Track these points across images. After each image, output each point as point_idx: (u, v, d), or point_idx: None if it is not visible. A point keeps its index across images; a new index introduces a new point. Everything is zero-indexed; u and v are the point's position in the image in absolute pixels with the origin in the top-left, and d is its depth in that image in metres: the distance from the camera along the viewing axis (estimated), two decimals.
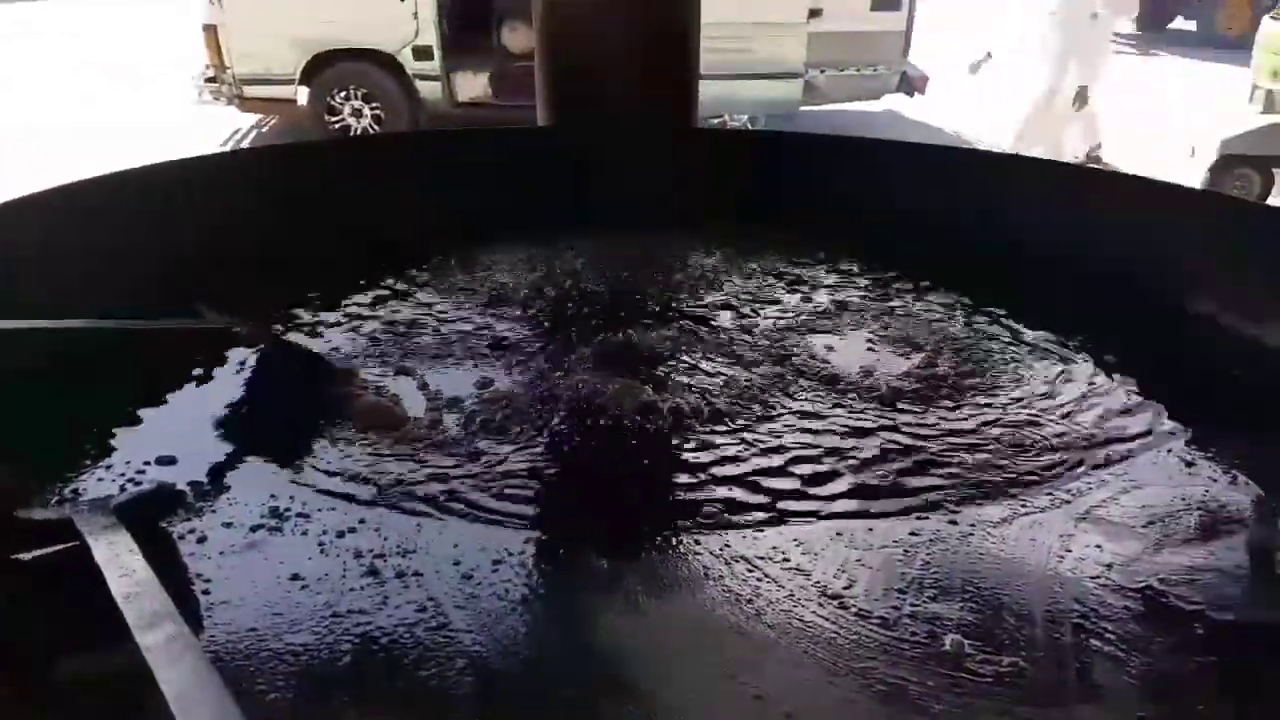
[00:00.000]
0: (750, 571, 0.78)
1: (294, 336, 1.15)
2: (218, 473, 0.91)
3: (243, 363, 1.10)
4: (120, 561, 0.60)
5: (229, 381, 1.07)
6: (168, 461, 0.92)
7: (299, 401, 1.02)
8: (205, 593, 0.75)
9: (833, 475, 0.92)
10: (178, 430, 0.99)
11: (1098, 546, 0.81)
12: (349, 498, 0.88)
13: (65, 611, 0.66)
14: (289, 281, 1.32)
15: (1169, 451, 0.96)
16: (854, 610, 0.74)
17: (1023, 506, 0.87)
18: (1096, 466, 0.93)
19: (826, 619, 0.73)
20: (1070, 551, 0.81)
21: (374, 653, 0.69)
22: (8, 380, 0.94)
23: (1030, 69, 5.83)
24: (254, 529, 0.83)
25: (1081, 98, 5.82)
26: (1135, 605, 0.74)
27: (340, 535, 0.82)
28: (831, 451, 0.95)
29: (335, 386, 1.04)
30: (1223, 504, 0.86)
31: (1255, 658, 0.69)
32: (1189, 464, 0.94)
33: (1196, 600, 0.74)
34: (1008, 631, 0.72)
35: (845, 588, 0.76)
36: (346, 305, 1.29)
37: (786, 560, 0.80)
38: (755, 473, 0.92)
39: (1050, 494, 0.89)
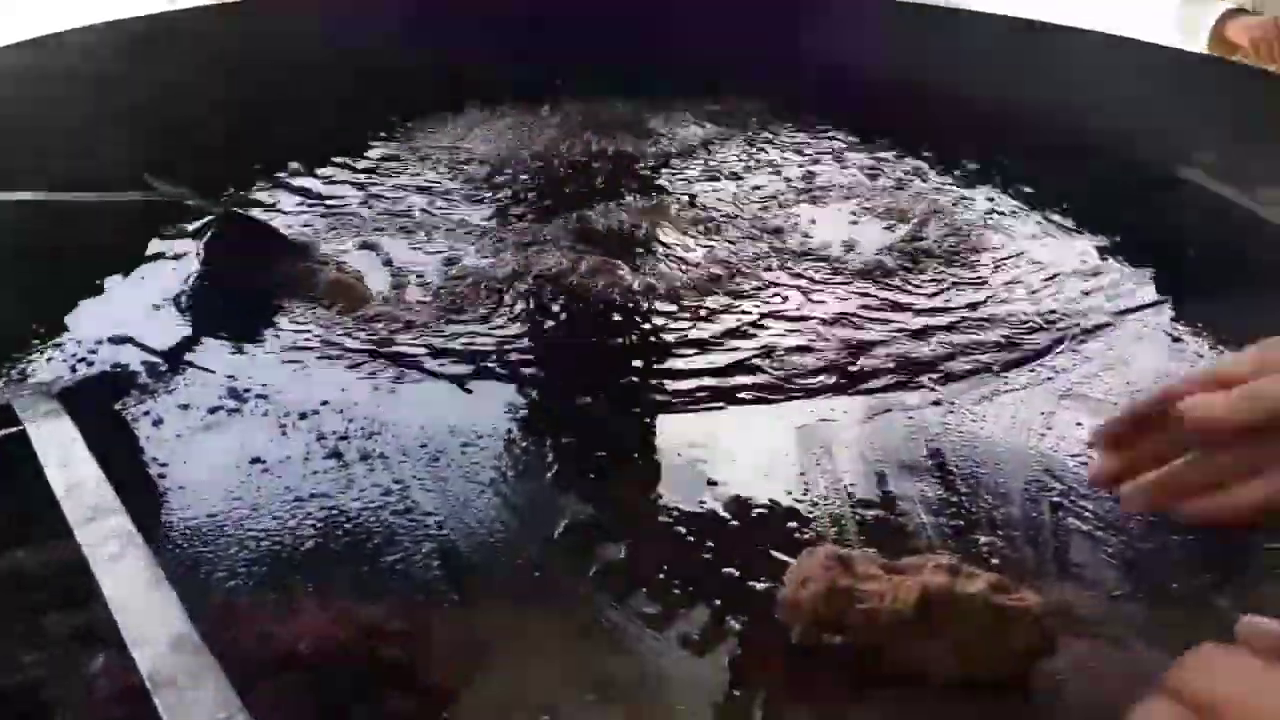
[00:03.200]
0: (726, 450, 0.76)
1: (249, 210, 1.09)
2: (173, 353, 0.88)
3: (196, 238, 1.04)
4: (62, 450, 0.57)
5: (183, 258, 1.02)
6: (121, 341, 0.88)
7: (256, 278, 0.98)
8: (161, 477, 0.72)
9: (811, 351, 0.89)
10: (130, 308, 0.94)
11: (1079, 424, 0.80)
12: (311, 378, 0.84)
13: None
14: (242, 152, 1.26)
15: (1155, 325, 0.94)
16: (827, 489, 0.72)
17: (1004, 384, 0.85)
18: (1080, 342, 0.91)
19: (800, 499, 0.72)
20: (1051, 430, 0.79)
21: (338, 538, 0.67)
22: None
23: None
24: (212, 411, 0.80)
25: None
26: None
27: (302, 417, 0.79)
28: (811, 328, 0.93)
29: (294, 262, 0.99)
30: None
31: (1236, 536, 0.69)
32: (1175, 339, 0.92)
33: None
34: (984, 511, 0.71)
35: (819, 465, 0.75)
36: (304, 176, 1.23)
37: (760, 439, 0.78)
38: (733, 350, 0.89)
39: (1032, 370, 0.87)
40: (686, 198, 1.20)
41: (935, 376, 0.86)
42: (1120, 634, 0.60)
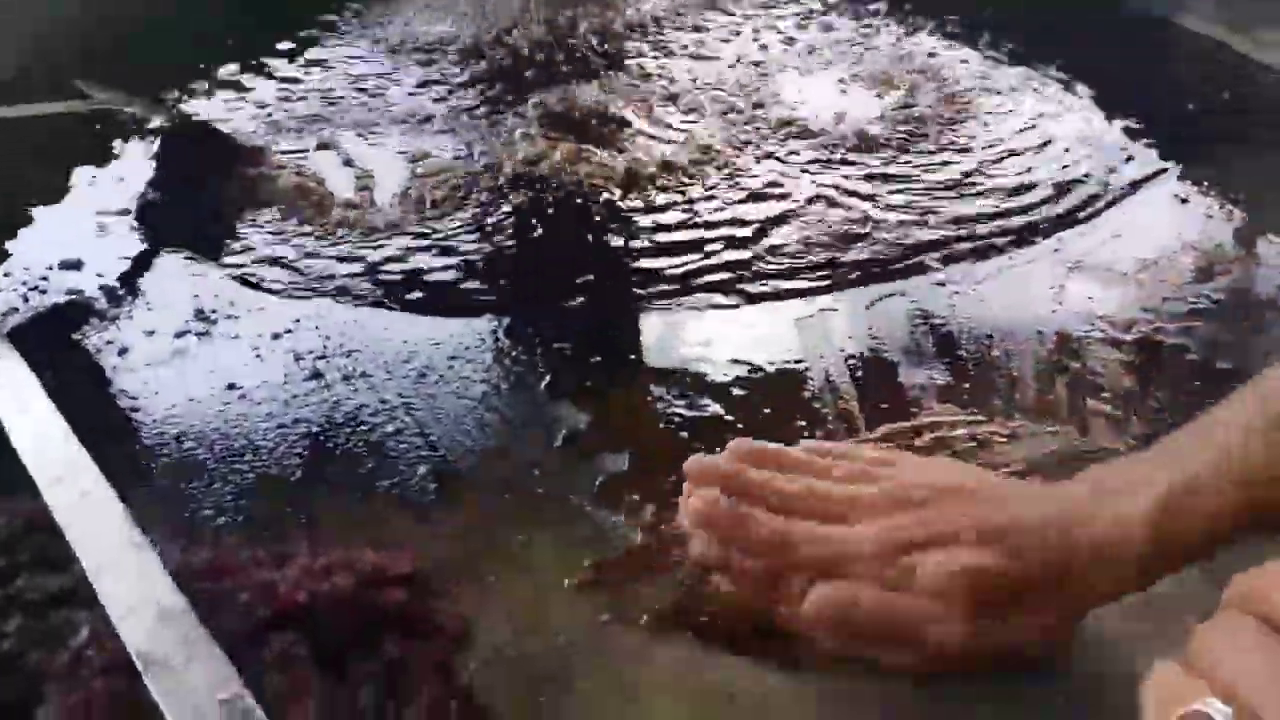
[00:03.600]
0: (724, 348, 0.73)
1: (195, 114, 1.02)
2: (131, 274, 0.82)
3: (141, 147, 0.97)
4: (18, 398, 0.53)
5: (128, 169, 0.95)
6: (72, 266, 0.82)
7: (209, 187, 0.91)
8: (133, 410, 0.68)
9: (808, 237, 0.85)
10: (79, 229, 0.88)
11: (1089, 297, 0.77)
12: (280, 294, 0.79)
13: None
14: (180, 49, 1.17)
15: (1159, 188, 0.90)
16: (831, 382, 0.69)
17: (1010, 259, 0.82)
18: (1087, 211, 0.87)
19: (804, 394, 0.69)
20: (1062, 304, 0.76)
21: (328, 466, 0.63)
22: None
23: None
24: (179, 335, 0.75)
25: None
26: (1130, 356, 0.70)
27: (276, 337, 0.75)
28: (805, 210, 0.88)
29: (248, 167, 0.93)
30: (1218, 243, 0.82)
31: None
32: (1183, 200, 0.88)
33: (1193, 350, 0.71)
34: (997, 391, 0.68)
35: (822, 358, 0.71)
36: (252, 72, 1.14)
37: (759, 333, 0.74)
38: (723, 239, 0.85)
39: (1039, 243, 0.83)
40: (660, 73, 1.13)
41: (937, 256, 0.82)
42: None
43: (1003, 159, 0.95)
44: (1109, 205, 0.88)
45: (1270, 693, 0.29)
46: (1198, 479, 0.44)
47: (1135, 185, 0.90)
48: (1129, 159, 0.95)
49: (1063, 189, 0.90)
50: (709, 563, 0.53)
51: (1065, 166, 0.93)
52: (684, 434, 0.65)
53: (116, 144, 0.99)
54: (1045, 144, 0.97)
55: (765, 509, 0.51)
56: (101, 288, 0.80)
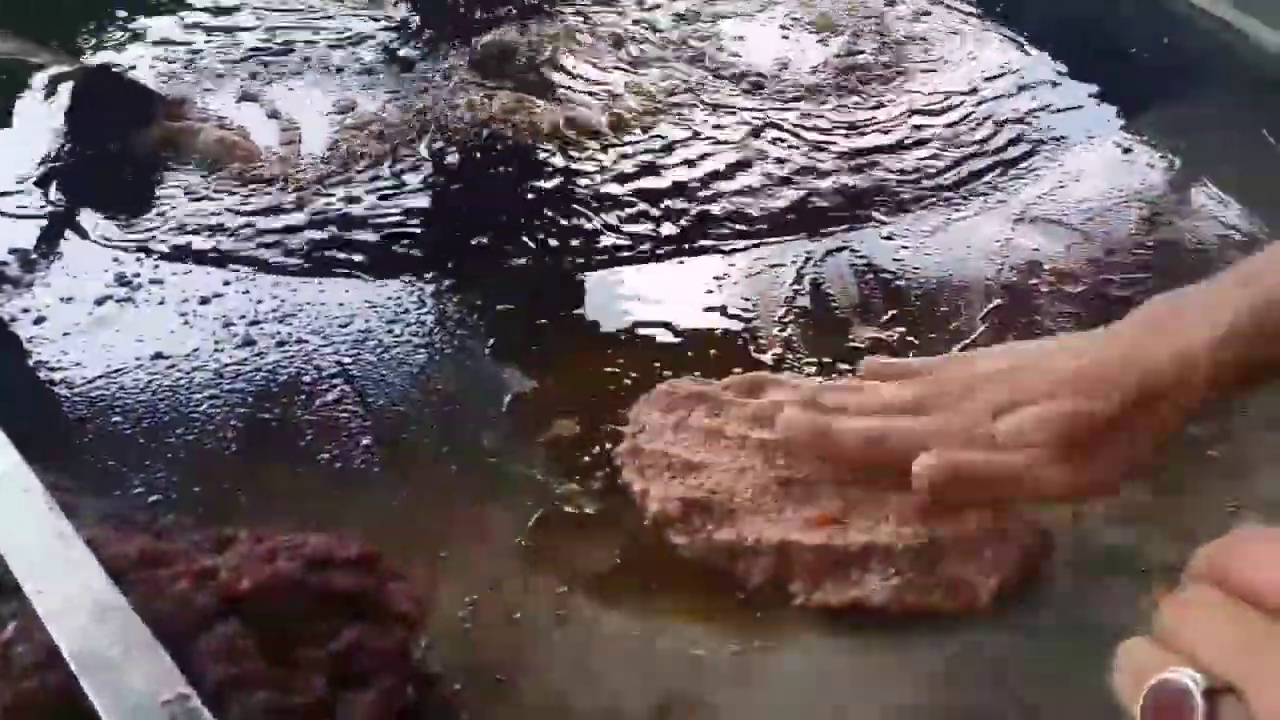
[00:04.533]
0: (670, 305, 0.72)
1: (110, 64, 0.96)
2: (46, 237, 0.77)
3: (53, 99, 0.91)
4: None
5: (38, 123, 0.89)
6: None
7: (128, 143, 0.86)
8: (54, 383, 0.65)
9: (753, 190, 0.83)
10: None
11: (1035, 248, 0.77)
12: (205, 256, 0.75)
13: None
14: None
15: (1104, 139, 0.90)
16: (779, 337, 0.69)
17: (955, 211, 0.81)
18: (1031, 160, 0.87)
19: (754, 351, 0.68)
20: (1008, 257, 0.76)
21: (265, 438, 0.61)
22: None
23: None
24: (99, 302, 0.71)
25: None
26: (1078, 309, 0.70)
27: (204, 302, 0.71)
28: (749, 162, 0.86)
29: (167, 121, 0.88)
30: (1161, 193, 0.82)
31: None
32: (1126, 151, 0.88)
33: (1139, 301, 0.71)
34: (943, 344, 0.68)
35: (770, 313, 0.71)
36: (164, 18, 1.08)
37: (705, 289, 0.73)
38: (666, 191, 0.83)
39: (984, 195, 0.83)
40: (600, 19, 1.09)
41: (881, 207, 0.82)
42: None
43: (946, 108, 0.94)
44: (1052, 155, 0.87)
45: (1238, 660, 0.29)
46: (1250, 308, 0.50)
47: (1078, 134, 0.90)
48: (1070, 107, 0.94)
49: (1007, 139, 0.90)
50: (666, 521, 0.53)
51: (1010, 118, 0.93)
52: (633, 394, 0.64)
53: (25, 95, 0.92)
54: (991, 93, 0.96)
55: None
56: (12, 251, 0.75)
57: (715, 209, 0.81)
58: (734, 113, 0.93)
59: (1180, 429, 0.51)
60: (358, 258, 0.76)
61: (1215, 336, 0.49)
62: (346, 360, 0.66)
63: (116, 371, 0.65)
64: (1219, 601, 0.31)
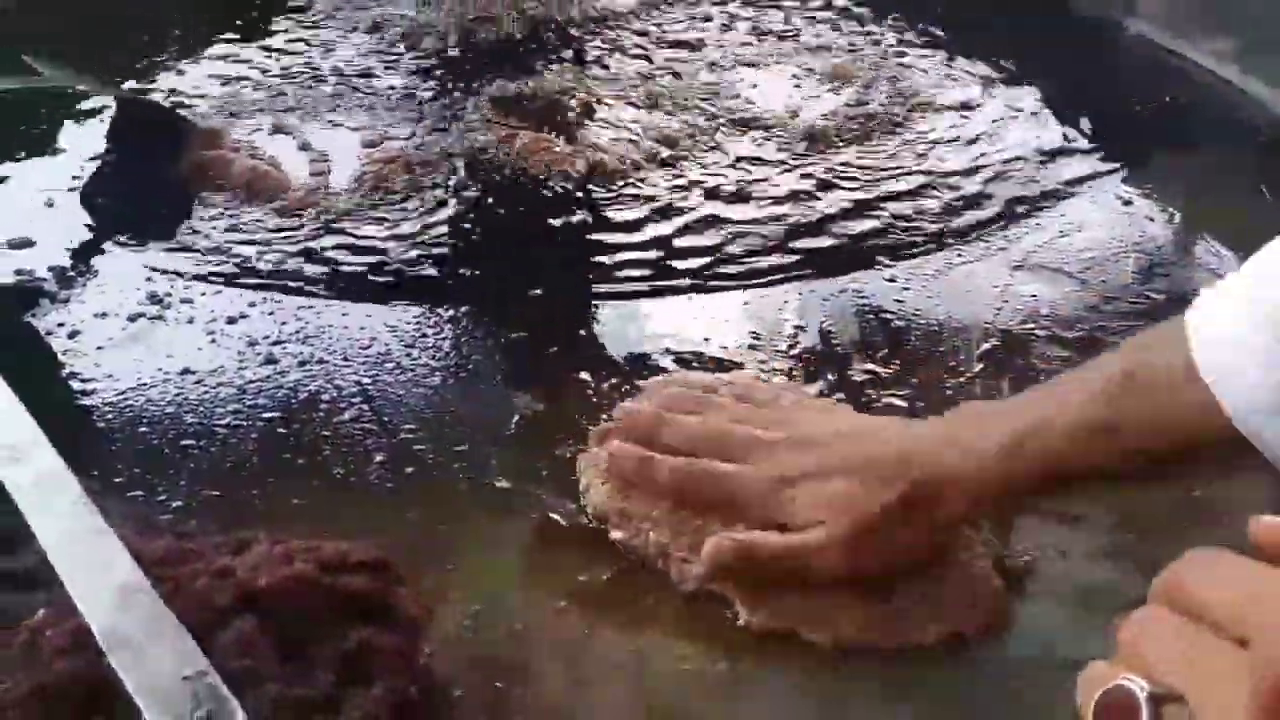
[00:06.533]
0: (676, 339, 0.74)
1: (148, 93, 1.00)
2: (83, 255, 0.81)
3: (92, 126, 0.96)
4: None
5: (78, 149, 0.93)
6: (22, 245, 0.81)
7: (162, 169, 0.90)
8: (86, 394, 0.68)
9: (760, 232, 0.86)
10: (27, 208, 0.86)
11: (1034, 295, 0.79)
12: (234, 279, 0.79)
13: None
14: (132, 25, 1.15)
15: (1106, 191, 0.92)
16: (782, 372, 0.71)
17: (958, 256, 0.84)
18: (1033, 210, 0.90)
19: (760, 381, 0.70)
20: (1007, 302, 0.78)
21: (285, 452, 0.63)
22: None
23: None
24: (132, 319, 0.74)
25: None
26: (1074, 355, 0.72)
27: (230, 322, 0.74)
28: (758, 205, 0.89)
29: (202, 151, 0.92)
30: (1159, 245, 0.85)
31: None
32: (1126, 202, 0.91)
33: None
34: (938, 387, 0.70)
35: (775, 348, 0.73)
36: (205, 53, 1.13)
37: (711, 325, 0.76)
38: (681, 232, 0.86)
39: (986, 241, 0.86)
40: (620, 64, 1.13)
41: (886, 252, 0.84)
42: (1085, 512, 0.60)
43: (952, 157, 0.97)
44: (1054, 205, 0.90)
45: (1184, 670, 0.30)
46: (1043, 423, 0.51)
47: (1080, 184, 0.93)
48: (1075, 159, 0.97)
49: (1009, 188, 0.92)
50: (605, 516, 0.57)
51: (1011, 162, 0.96)
52: None
53: (66, 123, 0.97)
54: (994, 144, 0.99)
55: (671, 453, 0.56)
56: (51, 269, 0.79)
57: (722, 248, 0.84)
58: (746, 156, 0.96)
59: (961, 525, 0.54)
60: (378, 283, 0.79)
61: (1003, 445, 0.51)
62: (365, 380, 0.69)
63: (146, 385, 0.68)
64: (1170, 619, 0.33)
